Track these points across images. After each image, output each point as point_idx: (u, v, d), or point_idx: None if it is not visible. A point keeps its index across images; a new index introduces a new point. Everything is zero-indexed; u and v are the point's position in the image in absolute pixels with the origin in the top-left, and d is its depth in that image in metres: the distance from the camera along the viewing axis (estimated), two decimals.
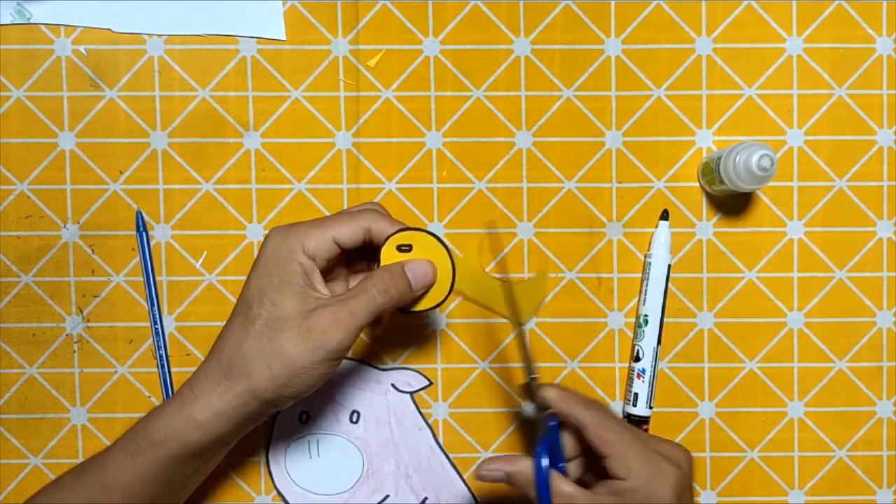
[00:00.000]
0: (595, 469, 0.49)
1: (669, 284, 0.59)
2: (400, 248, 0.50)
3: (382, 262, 0.50)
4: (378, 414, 0.59)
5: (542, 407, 0.50)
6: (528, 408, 0.53)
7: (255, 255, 0.51)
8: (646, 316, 0.58)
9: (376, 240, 0.50)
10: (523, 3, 0.60)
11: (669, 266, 0.59)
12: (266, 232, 0.59)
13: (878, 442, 0.60)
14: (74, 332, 0.59)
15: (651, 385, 0.58)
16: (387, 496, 0.58)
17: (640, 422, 0.58)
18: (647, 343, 0.58)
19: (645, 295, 0.59)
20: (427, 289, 0.51)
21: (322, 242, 0.49)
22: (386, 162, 0.59)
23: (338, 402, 0.59)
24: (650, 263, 0.59)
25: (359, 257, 0.53)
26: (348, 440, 0.58)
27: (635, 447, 0.47)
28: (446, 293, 0.52)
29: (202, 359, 0.53)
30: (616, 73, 0.60)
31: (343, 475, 0.58)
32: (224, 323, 0.50)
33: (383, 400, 0.59)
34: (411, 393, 0.59)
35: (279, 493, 0.58)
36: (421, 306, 0.52)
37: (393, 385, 0.59)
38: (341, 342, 0.48)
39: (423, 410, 0.59)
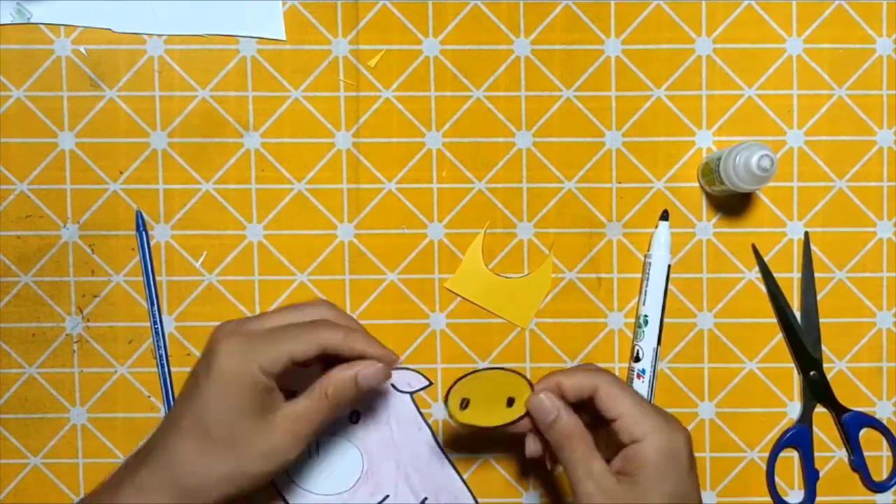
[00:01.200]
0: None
1: (669, 284, 0.59)
2: (462, 404, 0.52)
3: (451, 412, 0.52)
4: (378, 414, 0.59)
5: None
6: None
7: (205, 358, 0.49)
8: (646, 316, 0.58)
9: (332, 352, 0.50)
10: (523, 3, 0.60)
11: (669, 266, 0.59)
12: (266, 232, 0.59)
13: (878, 442, 0.60)
14: (74, 331, 0.59)
15: (651, 385, 0.58)
16: (386, 496, 0.58)
17: None
18: (647, 343, 0.58)
19: (645, 295, 0.59)
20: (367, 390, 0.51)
21: (278, 361, 0.48)
22: (386, 162, 0.60)
23: None
24: (650, 263, 0.59)
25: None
26: (348, 440, 0.58)
27: (647, 407, 0.48)
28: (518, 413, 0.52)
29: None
30: (616, 73, 0.60)
31: (343, 475, 0.58)
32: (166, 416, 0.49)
33: (383, 400, 0.59)
34: (411, 393, 0.59)
35: (279, 492, 0.58)
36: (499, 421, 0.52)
37: (393, 385, 0.59)
38: (297, 453, 0.49)
39: (422, 410, 0.59)
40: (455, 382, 0.53)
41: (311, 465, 0.58)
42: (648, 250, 0.59)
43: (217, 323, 0.51)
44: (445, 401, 0.52)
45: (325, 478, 0.58)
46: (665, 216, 0.59)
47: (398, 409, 0.59)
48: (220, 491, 0.47)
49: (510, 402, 0.51)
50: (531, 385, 0.52)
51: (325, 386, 0.49)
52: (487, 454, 0.60)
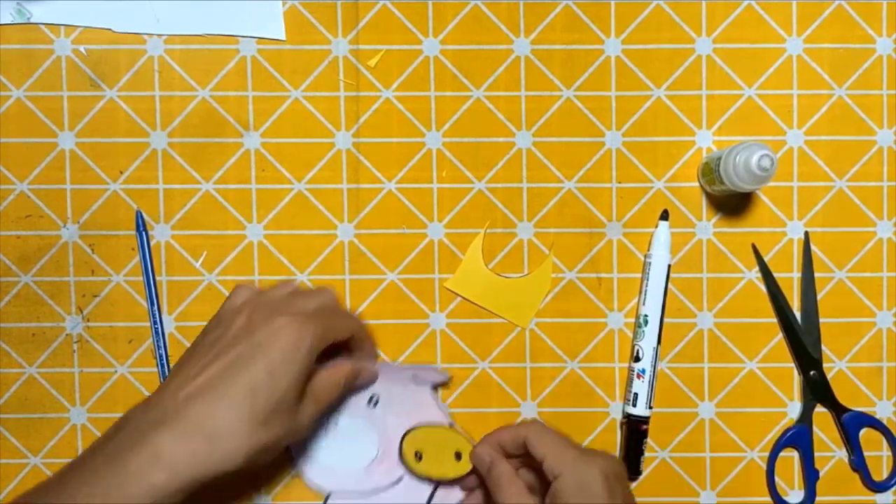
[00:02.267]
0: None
1: (669, 284, 0.59)
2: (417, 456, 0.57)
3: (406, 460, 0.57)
4: (396, 400, 0.58)
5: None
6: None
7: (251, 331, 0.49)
8: (646, 316, 0.58)
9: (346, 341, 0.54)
10: (523, 3, 0.60)
11: (669, 266, 0.59)
12: (266, 232, 0.59)
13: (878, 442, 0.60)
14: (74, 331, 0.59)
15: (651, 385, 0.58)
16: (401, 477, 0.58)
17: (639, 422, 0.58)
18: (647, 343, 0.58)
19: (645, 295, 0.59)
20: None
21: (323, 344, 0.50)
22: (386, 162, 0.60)
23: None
24: (650, 263, 0.59)
25: None
26: (365, 422, 0.58)
27: (569, 445, 0.51)
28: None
29: None
30: (616, 73, 0.60)
31: (358, 455, 0.58)
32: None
33: (402, 389, 0.59)
34: (432, 387, 0.59)
35: (296, 466, 0.58)
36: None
37: (414, 376, 0.59)
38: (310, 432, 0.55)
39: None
40: (405, 435, 0.57)
41: (329, 443, 0.58)
42: (648, 250, 0.59)
43: None
44: (400, 452, 0.57)
45: (342, 456, 0.58)
46: (665, 216, 0.59)
47: (417, 399, 0.59)
48: (246, 461, 0.46)
49: (458, 456, 0.56)
50: (472, 442, 0.57)
51: (339, 378, 0.53)
52: None
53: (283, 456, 0.58)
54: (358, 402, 0.58)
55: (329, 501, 0.58)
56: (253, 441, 0.46)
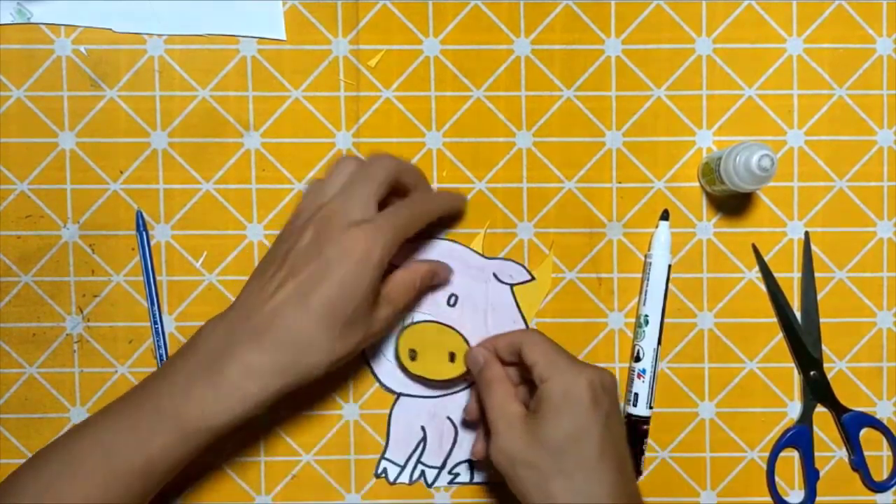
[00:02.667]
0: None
1: (670, 284, 0.59)
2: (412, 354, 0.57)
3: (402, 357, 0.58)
4: (476, 300, 0.59)
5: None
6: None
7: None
8: (646, 316, 0.58)
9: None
10: (523, 3, 0.60)
11: (670, 266, 0.59)
12: (266, 232, 0.59)
13: (878, 442, 0.60)
14: (74, 331, 0.59)
15: (651, 385, 0.58)
16: (472, 382, 0.59)
17: (640, 421, 0.58)
18: (648, 343, 0.58)
19: (645, 295, 0.59)
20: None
21: (395, 246, 0.51)
22: None
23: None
24: (650, 264, 0.59)
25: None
26: (443, 323, 0.58)
27: (561, 353, 0.52)
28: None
29: None
30: (616, 73, 0.60)
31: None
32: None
33: (483, 287, 0.59)
34: (511, 285, 0.59)
35: (369, 364, 0.59)
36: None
37: (495, 275, 0.59)
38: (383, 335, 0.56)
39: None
40: (402, 331, 0.57)
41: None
42: (649, 250, 0.59)
43: None
44: (396, 350, 0.57)
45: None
46: (665, 216, 0.59)
47: (496, 300, 0.59)
48: (330, 368, 0.50)
49: (452, 356, 0.57)
50: (468, 342, 0.57)
51: (415, 278, 0.55)
52: None
53: (266, 483, 0.59)
54: (437, 301, 0.59)
55: (398, 402, 0.59)
56: (335, 350, 0.49)
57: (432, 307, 0.59)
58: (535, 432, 0.50)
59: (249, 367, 0.48)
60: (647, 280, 0.59)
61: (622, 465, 0.50)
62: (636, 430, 0.58)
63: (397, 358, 0.58)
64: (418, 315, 0.58)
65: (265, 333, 0.48)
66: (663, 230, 0.59)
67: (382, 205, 0.52)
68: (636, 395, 0.58)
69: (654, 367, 0.58)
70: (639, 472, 0.59)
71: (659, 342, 0.59)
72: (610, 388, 0.51)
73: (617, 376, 0.60)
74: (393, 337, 0.58)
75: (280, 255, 0.50)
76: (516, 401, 0.52)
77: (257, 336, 0.48)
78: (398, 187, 0.54)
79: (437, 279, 0.57)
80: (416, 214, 0.53)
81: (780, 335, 0.60)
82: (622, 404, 0.60)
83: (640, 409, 0.58)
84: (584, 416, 0.49)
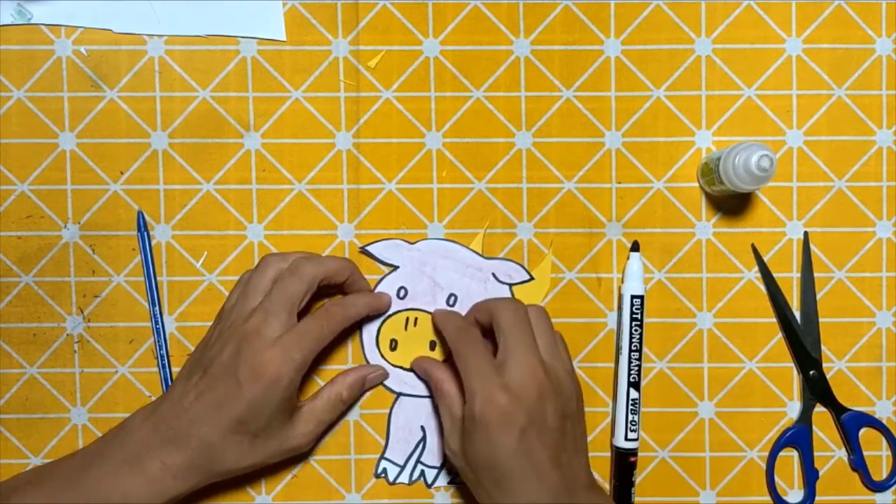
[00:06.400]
0: None
1: (669, 285, 0.59)
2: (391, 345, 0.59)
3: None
4: (475, 300, 0.59)
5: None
6: None
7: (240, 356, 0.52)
8: (619, 348, 0.58)
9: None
10: (523, 4, 0.60)
11: (643, 297, 0.58)
12: (266, 232, 0.59)
13: (877, 441, 0.60)
14: (75, 332, 0.59)
15: (626, 418, 0.57)
16: None
17: (626, 454, 0.58)
18: (621, 377, 0.58)
19: (619, 327, 0.59)
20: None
21: (311, 357, 0.54)
22: (386, 162, 0.60)
23: (437, 283, 0.59)
24: (622, 296, 0.58)
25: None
26: (427, 311, 0.59)
27: (485, 359, 0.53)
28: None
29: None
30: (616, 73, 0.60)
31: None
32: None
33: (482, 288, 0.59)
34: (511, 285, 0.59)
35: (367, 361, 0.60)
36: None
37: (494, 275, 0.59)
38: (311, 446, 0.57)
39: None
40: (383, 322, 0.58)
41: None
42: (622, 282, 0.59)
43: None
44: (377, 341, 0.59)
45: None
46: (636, 247, 0.59)
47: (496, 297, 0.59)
48: (247, 471, 0.55)
49: (432, 345, 0.58)
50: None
51: (340, 391, 0.57)
52: None
53: (266, 483, 0.59)
54: (437, 300, 0.59)
55: (397, 402, 0.59)
56: (245, 459, 0.53)
57: (432, 305, 0.59)
58: (462, 444, 0.53)
59: (169, 466, 0.52)
60: (621, 312, 0.59)
61: (543, 474, 0.50)
62: (623, 464, 0.58)
63: (377, 348, 0.59)
64: (408, 306, 0.59)
65: (183, 439, 0.52)
66: (634, 261, 0.58)
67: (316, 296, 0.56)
68: (614, 426, 0.59)
69: (627, 401, 0.58)
70: None
71: (639, 376, 0.58)
72: (529, 397, 0.51)
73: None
74: (376, 330, 0.59)
75: (205, 362, 0.54)
76: (490, 359, 0.53)
77: (177, 440, 0.52)
78: (329, 283, 0.56)
79: (368, 384, 0.59)
80: (334, 323, 0.55)
81: (780, 335, 0.60)
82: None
83: (619, 441, 0.58)
84: (493, 441, 0.50)
